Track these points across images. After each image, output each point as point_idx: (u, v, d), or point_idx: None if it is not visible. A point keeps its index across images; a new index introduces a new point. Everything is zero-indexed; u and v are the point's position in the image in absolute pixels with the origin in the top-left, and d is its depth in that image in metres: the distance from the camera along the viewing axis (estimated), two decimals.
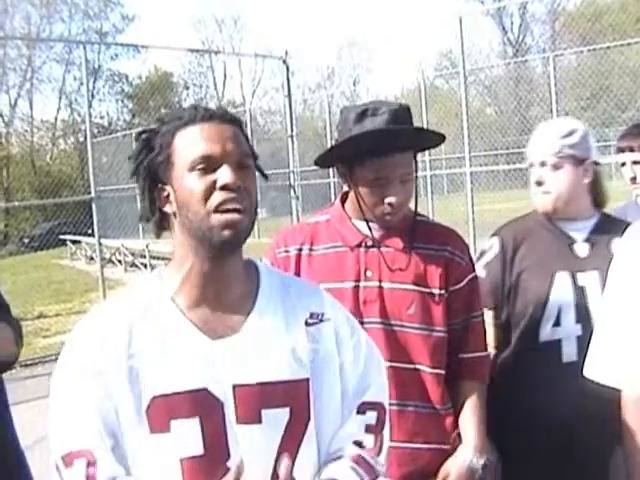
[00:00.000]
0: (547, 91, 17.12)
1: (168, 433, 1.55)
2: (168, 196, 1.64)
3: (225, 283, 1.65)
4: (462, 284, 2.39)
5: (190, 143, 1.61)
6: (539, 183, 2.81)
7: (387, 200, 2.28)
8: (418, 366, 2.33)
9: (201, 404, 1.57)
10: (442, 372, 2.37)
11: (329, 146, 2.35)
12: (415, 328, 2.32)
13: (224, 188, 1.56)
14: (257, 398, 1.60)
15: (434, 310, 2.34)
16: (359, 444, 1.73)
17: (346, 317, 1.82)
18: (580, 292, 2.60)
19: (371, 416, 1.77)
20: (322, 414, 1.69)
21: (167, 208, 1.65)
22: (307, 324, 1.71)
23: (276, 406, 1.61)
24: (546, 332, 2.60)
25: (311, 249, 2.41)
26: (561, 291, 2.60)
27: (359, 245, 2.37)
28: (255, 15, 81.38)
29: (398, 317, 2.31)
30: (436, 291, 2.34)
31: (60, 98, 41.13)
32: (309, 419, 1.66)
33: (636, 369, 2.03)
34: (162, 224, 1.69)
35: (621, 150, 3.66)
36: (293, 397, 1.64)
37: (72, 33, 42.81)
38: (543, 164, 2.88)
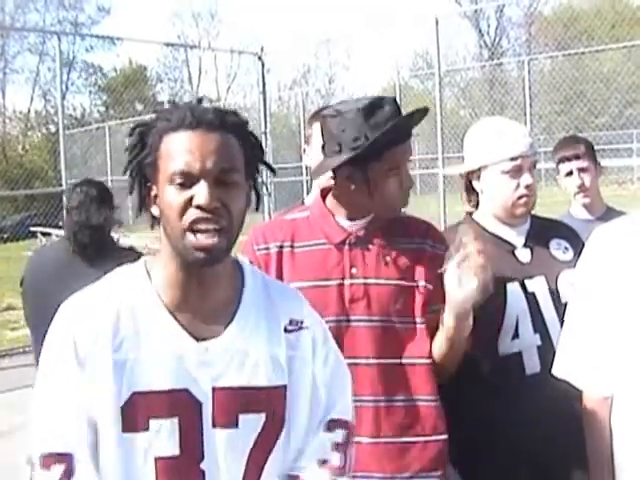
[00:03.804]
0: (521, 94, 17.22)
1: (145, 432, 1.54)
2: (156, 197, 1.60)
3: (208, 288, 1.62)
4: (443, 269, 2.36)
5: (172, 153, 1.55)
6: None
7: (406, 185, 2.33)
8: (407, 359, 2.32)
9: (181, 404, 1.56)
10: (431, 361, 2.35)
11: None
12: (403, 322, 2.32)
13: (199, 208, 1.52)
14: (236, 402, 1.59)
15: (420, 302, 2.34)
16: (324, 462, 1.70)
17: (322, 327, 1.79)
18: (532, 300, 2.56)
19: (339, 434, 1.74)
20: (294, 422, 1.68)
21: (154, 209, 1.62)
22: (286, 331, 1.69)
23: (253, 411, 1.60)
24: (505, 345, 2.55)
25: (292, 246, 2.38)
26: (516, 303, 2.55)
27: (343, 242, 2.36)
28: (232, 10, 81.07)
29: (385, 313, 2.31)
30: (420, 284, 2.34)
31: (33, 89, 40.80)
32: (282, 426, 1.65)
33: (597, 372, 2.06)
34: (154, 219, 1.65)
35: (567, 159, 3.69)
36: (270, 403, 1.63)
37: (46, 23, 42.46)
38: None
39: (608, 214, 3.58)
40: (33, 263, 3.08)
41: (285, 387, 1.65)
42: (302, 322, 1.72)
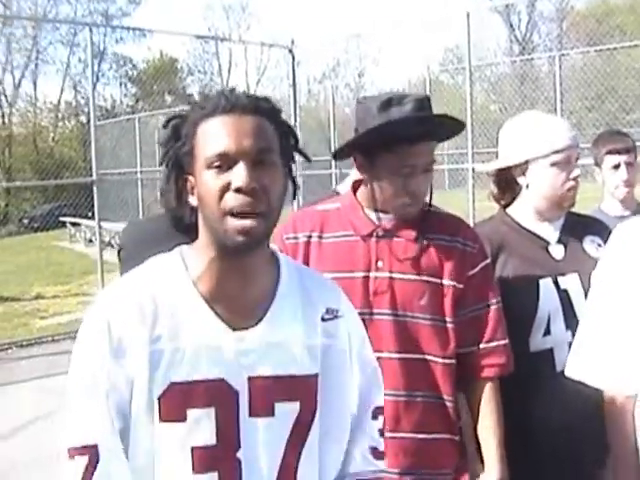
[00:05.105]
0: (552, 90, 17.10)
1: (182, 422, 1.54)
2: (193, 188, 1.61)
3: (246, 277, 1.62)
4: (475, 271, 2.36)
5: (208, 138, 1.56)
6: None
7: (410, 190, 2.28)
8: (428, 357, 2.31)
9: (217, 394, 1.56)
10: (453, 362, 2.35)
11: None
12: (427, 319, 2.30)
13: (238, 191, 1.51)
14: (272, 391, 1.59)
15: (446, 301, 2.32)
16: (374, 449, 1.76)
17: (354, 314, 1.81)
18: (565, 297, 2.55)
19: (381, 420, 1.79)
20: (328, 410, 1.69)
21: (191, 200, 1.62)
22: (323, 319, 1.70)
23: (288, 400, 1.61)
24: (536, 342, 2.54)
25: (320, 237, 2.39)
26: (548, 299, 2.54)
27: (370, 235, 2.35)
28: (263, 3, 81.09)
29: (409, 308, 2.30)
30: (448, 282, 2.33)
31: (64, 80, 41.07)
32: (315, 414, 1.66)
33: (618, 370, 2.04)
34: (193, 212, 1.64)
35: (617, 152, 3.65)
36: (303, 391, 1.64)
37: (78, 15, 42.69)
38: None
39: (639, 210, 3.55)
40: (132, 233, 3.05)
41: (317, 376, 1.66)
42: (338, 311, 1.73)
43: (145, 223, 3.21)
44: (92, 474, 1.51)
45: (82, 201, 17.96)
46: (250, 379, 1.58)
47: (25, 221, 28.19)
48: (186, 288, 1.61)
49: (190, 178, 1.61)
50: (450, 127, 2.38)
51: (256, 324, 1.62)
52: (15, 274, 15.57)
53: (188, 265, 1.64)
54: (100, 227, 11.20)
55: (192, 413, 1.54)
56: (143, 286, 1.62)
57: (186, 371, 1.55)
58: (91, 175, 10.69)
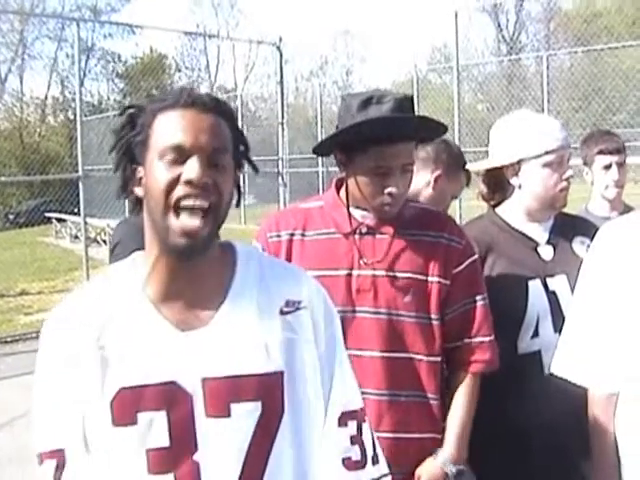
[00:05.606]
0: (539, 90, 17.14)
1: (134, 425, 1.53)
2: (141, 178, 1.59)
3: (195, 276, 1.60)
4: (462, 267, 2.35)
5: (165, 130, 1.54)
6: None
7: (387, 190, 2.26)
8: (413, 355, 2.30)
9: (169, 397, 1.54)
10: (438, 359, 2.35)
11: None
12: (411, 317, 2.29)
13: (188, 183, 1.49)
14: (226, 392, 1.56)
15: (431, 298, 2.31)
16: (346, 459, 1.68)
17: (324, 305, 1.73)
18: (553, 299, 2.54)
19: (352, 426, 1.71)
20: (299, 407, 1.63)
21: (138, 190, 1.61)
22: (282, 313, 1.64)
23: (246, 400, 1.56)
24: (525, 343, 2.54)
25: (303, 234, 2.38)
26: (537, 301, 2.54)
27: (353, 232, 2.34)
28: (252, 0, 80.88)
29: (393, 306, 2.29)
30: (433, 279, 2.31)
31: (51, 75, 40.91)
32: (283, 413, 1.60)
33: (603, 369, 2.05)
34: (137, 204, 1.64)
35: (609, 152, 3.66)
36: (265, 391, 1.58)
37: (65, 10, 42.55)
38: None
39: (626, 212, 3.55)
40: (128, 229, 3.00)
41: (282, 373, 1.61)
42: (299, 302, 1.67)
43: (141, 219, 3.18)
44: (60, 476, 1.54)
45: (68, 197, 17.88)
46: (204, 380, 1.55)
47: (10, 217, 28.08)
48: (134, 292, 1.60)
49: (139, 168, 1.60)
50: (432, 128, 2.37)
51: (208, 324, 1.59)
52: (0, 270, 15.50)
53: (139, 267, 1.63)
54: (86, 223, 11.17)
55: (143, 416, 1.53)
56: (96, 293, 1.62)
57: (135, 375, 1.54)
58: (77, 171, 10.64)
